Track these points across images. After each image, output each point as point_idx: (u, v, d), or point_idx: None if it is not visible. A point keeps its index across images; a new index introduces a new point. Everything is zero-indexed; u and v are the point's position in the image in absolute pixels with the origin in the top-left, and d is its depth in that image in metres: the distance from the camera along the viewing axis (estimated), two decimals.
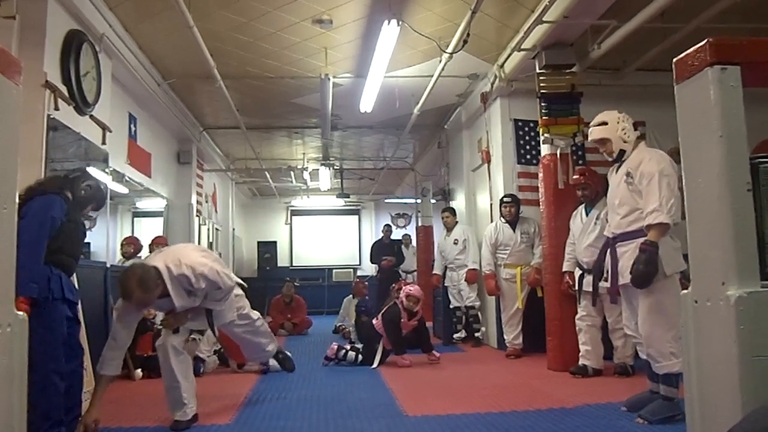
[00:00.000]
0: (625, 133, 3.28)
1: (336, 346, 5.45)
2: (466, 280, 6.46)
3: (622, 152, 3.31)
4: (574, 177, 4.58)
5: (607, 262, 3.42)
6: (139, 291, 2.95)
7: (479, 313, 6.54)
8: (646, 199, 3.11)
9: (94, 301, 4.30)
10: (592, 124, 3.41)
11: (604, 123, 3.33)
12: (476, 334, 6.52)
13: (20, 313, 1.55)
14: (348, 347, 5.52)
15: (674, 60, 1.66)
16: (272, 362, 4.83)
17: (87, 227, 3.11)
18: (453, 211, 7.00)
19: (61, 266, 2.75)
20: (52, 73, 3.82)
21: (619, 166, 3.36)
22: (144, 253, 6.50)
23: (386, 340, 5.30)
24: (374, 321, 5.47)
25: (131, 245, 6.52)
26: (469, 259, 6.49)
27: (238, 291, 3.69)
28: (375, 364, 5.21)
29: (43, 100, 3.71)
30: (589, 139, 3.43)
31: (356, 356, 5.32)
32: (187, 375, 3.26)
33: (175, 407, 3.16)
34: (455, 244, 6.71)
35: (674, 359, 2.99)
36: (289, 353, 4.46)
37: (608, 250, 3.41)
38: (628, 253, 3.22)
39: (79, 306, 3.06)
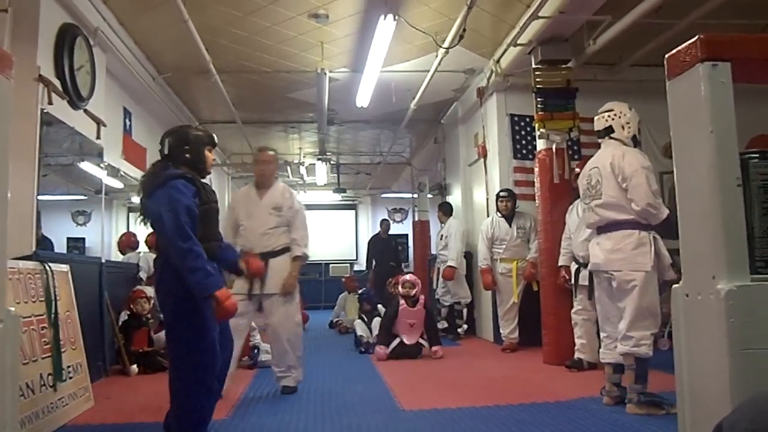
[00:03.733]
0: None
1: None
2: (442, 276, 6.62)
3: None
4: (576, 171, 4.59)
5: None
6: (270, 153, 3.90)
7: (464, 310, 6.68)
8: None
9: (89, 296, 4.29)
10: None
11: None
12: (458, 330, 6.62)
13: (12, 308, 1.55)
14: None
15: (666, 56, 1.67)
16: (261, 357, 4.89)
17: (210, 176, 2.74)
18: (441, 206, 7.26)
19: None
20: (45, 67, 3.80)
21: None
22: (142, 248, 6.49)
23: (401, 335, 5.36)
24: None
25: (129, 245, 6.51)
26: (449, 255, 6.62)
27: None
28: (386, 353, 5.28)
29: (36, 95, 3.68)
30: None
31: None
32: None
33: None
34: (441, 239, 6.95)
35: None
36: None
37: None
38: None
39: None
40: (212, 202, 2.57)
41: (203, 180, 2.63)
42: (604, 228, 3.29)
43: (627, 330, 3.14)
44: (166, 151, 2.58)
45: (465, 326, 6.63)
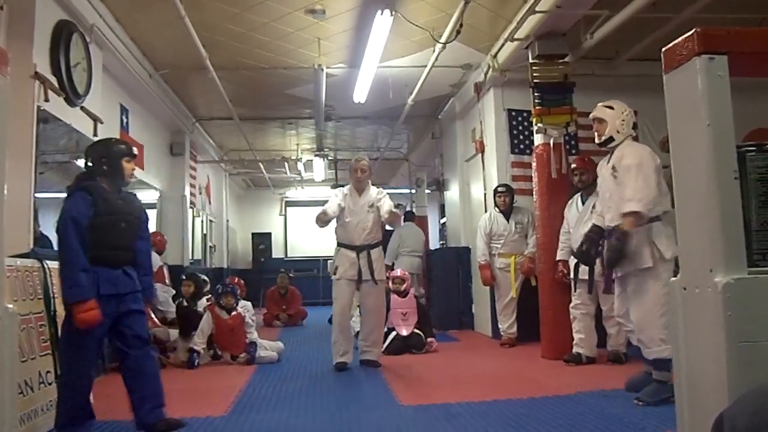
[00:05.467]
0: (621, 125, 3.42)
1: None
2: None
3: (610, 140, 3.43)
4: (573, 166, 4.59)
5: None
6: (367, 162, 4.65)
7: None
8: (623, 190, 3.26)
9: None
10: (601, 104, 3.53)
11: (611, 107, 3.47)
12: None
13: (10, 306, 1.55)
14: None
15: (663, 50, 1.66)
16: (259, 353, 4.91)
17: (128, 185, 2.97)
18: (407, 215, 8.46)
19: (101, 262, 2.68)
20: (41, 64, 3.78)
21: (608, 160, 3.49)
22: None
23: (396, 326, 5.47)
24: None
25: None
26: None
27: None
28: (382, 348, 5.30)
29: (32, 92, 3.66)
30: (591, 114, 3.54)
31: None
32: None
33: None
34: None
35: (663, 345, 3.12)
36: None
37: (603, 241, 3.47)
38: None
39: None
40: (117, 213, 2.76)
41: (126, 190, 2.91)
42: None
43: None
44: (89, 164, 2.82)
45: None
